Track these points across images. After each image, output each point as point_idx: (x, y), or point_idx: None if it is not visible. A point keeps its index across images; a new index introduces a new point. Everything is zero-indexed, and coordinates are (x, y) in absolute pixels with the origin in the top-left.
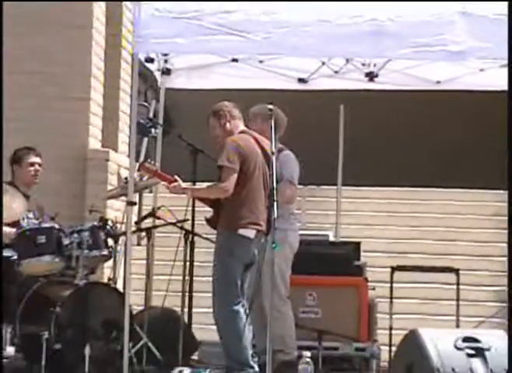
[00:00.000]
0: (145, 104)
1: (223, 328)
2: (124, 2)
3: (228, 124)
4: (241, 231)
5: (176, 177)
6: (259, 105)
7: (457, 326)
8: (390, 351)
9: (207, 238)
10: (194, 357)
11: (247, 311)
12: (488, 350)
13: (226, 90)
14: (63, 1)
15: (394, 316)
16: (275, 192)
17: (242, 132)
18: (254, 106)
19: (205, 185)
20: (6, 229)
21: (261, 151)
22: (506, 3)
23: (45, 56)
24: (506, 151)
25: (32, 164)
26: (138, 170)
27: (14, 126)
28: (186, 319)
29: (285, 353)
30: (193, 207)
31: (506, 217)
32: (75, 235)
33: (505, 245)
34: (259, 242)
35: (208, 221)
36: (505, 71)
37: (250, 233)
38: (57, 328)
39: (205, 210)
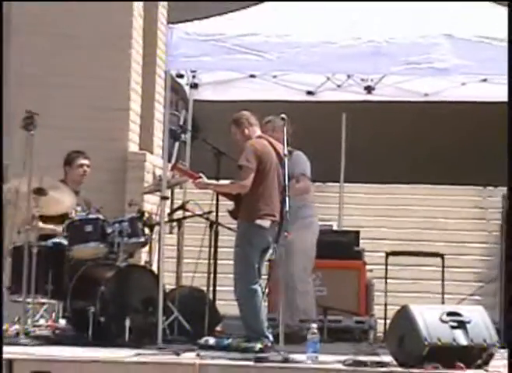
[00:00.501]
0: (176, 113)
1: (243, 304)
2: (158, 27)
3: (246, 130)
4: (258, 222)
5: (200, 174)
6: (273, 116)
7: (442, 303)
8: (385, 324)
9: (229, 228)
10: (218, 328)
11: (263, 289)
12: (468, 322)
13: (244, 101)
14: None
15: (388, 294)
16: (287, 188)
17: (259, 137)
18: (268, 117)
19: (227, 182)
20: (48, 226)
21: (275, 153)
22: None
23: (92, 73)
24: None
25: (81, 165)
26: (171, 170)
27: (66, 133)
28: (211, 296)
29: (309, 322)
30: (217, 201)
31: (484, 210)
32: (117, 225)
33: (483, 233)
34: (274, 231)
35: (230, 212)
36: (484, 85)
37: (266, 223)
38: (102, 303)
39: (227, 204)
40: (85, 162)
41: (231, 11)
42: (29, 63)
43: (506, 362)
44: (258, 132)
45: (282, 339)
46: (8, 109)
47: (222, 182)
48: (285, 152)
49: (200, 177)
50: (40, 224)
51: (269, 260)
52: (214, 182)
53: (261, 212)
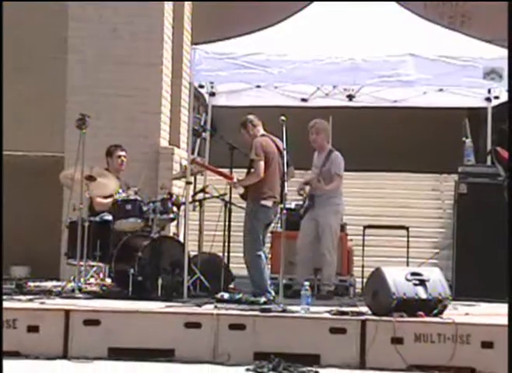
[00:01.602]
0: (198, 116)
1: (251, 266)
2: (183, 47)
3: (252, 131)
4: (263, 202)
5: (233, 176)
6: (318, 119)
7: (407, 265)
8: (362, 282)
9: (240, 207)
10: (231, 285)
11: (267, 255)
12: (427, 280)
13: (252, 107)
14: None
15: (365, 258)
16: (285, 175)
17: (263, 135)
18: (314, 121)
19: (242, 176)
20: (105, 200)
21: (276, 148)
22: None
23: (132, 85)
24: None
25: (119, 156)
26: (191, 163)
27: (111, 132)
28: (226, 260)
29: (329, 285)
30: (230, 185)
31: (440, 192)
32: (151, 204)
33: (439, 210)
34: (275, 209)
35: (241, 195)
36: (440, 94)
37: (269, 203)
38: (139, 266)
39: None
40: (122, 153)
41: (242, 34)
42: (82, 76)
43: (456, 311)
44: (262, 131)
45: (282, 294)
46: (64, 112)
47: (234, 171)
48: (284, 147)
49: (219, 172)
50: (101, 200)
51: (271, 232)
52: (240, 179)
53: (265, 195)
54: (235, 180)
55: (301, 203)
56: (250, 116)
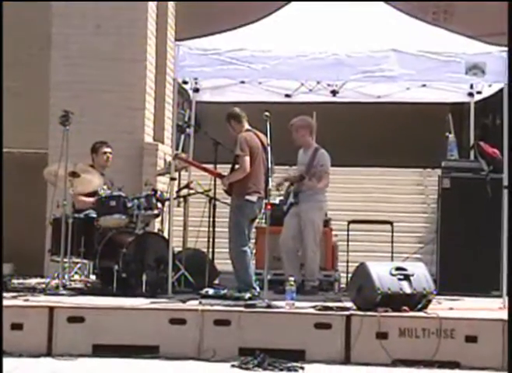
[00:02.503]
0: (182, 112)
1: (236, 262)
2: (167, 43)
3: (236, 126)
4: (247, 197)
5: (217, 171)
6: (300, 117)
7: (392, 260)
8: (347, 277)
9: (224, 203)
10: (216, 281)
11: (252, 250)
12: (412, 275)
13: (236, 103)
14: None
15: (350, 253)
16: (269, 170)
17: (247, 130)
18: (294, 119)
19: (227, 172)
20: (88, 199)
21: (260, 143)
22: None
23: (115, 80)
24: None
25: (105, 153)
26: (173, 159)
27: (94, 128)
28: (210, 256)
29: (313, 281)
30: (215, 181)
31: (424, 187)
32: (136, 200)
33: (423, 205)
34: (260, 204)
35: (225, 190)
36: (423, 89)
37: (253, 198)
38: (124, 262)
39: (221, 184)
40: (108, 149)
41: (224, 31)
42: (64, 72)
43: (440, 306)
44: (246, 126)
45: (266, 290)
46: (47, 109)
47: (218, 166)
48: (268, 142)
49: (204, 168)
50: (83, 198)
51: (256, 228)
52: (227, 176)
53: (250, 190)
54: (224, 180)
55: (284, 200)
56: (235, 111)
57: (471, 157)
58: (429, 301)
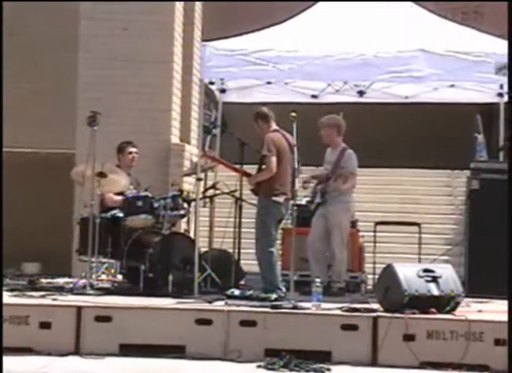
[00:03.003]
0: (209, 113)
1: (262, 262)
2: (194, 44)
3: (263, 126)
4: (274, 198)
5: (250, 173)
6: (329, 116)
7: (419, 262)
8: (373, 278)
9: (250, 203)
10: (242, 282)
11: (278, 251)
12: (440, 277)
13: (262, 103)
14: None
15: (376, 255)
16: (296, 171)
17: (275, 130)
18: (324, 117)
19: (254, 171)
20: (116, 197)
21: (287, 144)
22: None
23: (143, 82)
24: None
25: (130, 153)
26: (202, 157)
27: (122, 129)
28: (236, 257)
29: (340, 282)
30: (241, 182)
31: (452, 188)
32: (162, 201)
33: (451, 206)
34: (286, 205)
35: (252, 190)
36: (451, 90)
37: (280, 199)
38: (150, 262)
39: (247, 185)
40: (134, 149)
41: (251, 31)
42: (91, 74)
43: (468, 308)
44: (274, 126)
45: (292, 291)
46: (75, 109)
47: (245, 167)
48: (295, 143)
49: (233, 167)
50: (112, 195)
51: (282, 229)
52: (254, 175)
53: (277, 191)
54: (251, 180)
55: (311, 199)
56: (263, 111)
57: (501, 158)
58: (458, 304)
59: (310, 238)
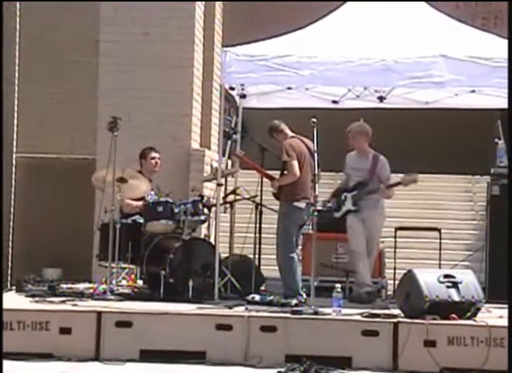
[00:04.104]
0: (229, 118)
1: (283, 268)
2: (214, 50)
3: (278, 136)
4: (295, 204)
5: (274, 177)
6: (357, 123)
7: (439, 267)
8: (394, 284)
9: (271, 209)
10: (262, 287)
11: (299, 256)
12: (460, 283)
13: (283, 109)
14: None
15: (397, 260)
16: (316, 176)
17: (292, 137)
18: (352, 125)
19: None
20: (137, 203)
21: (306, 149)
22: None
23: (163, 87)
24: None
25: (153, 158)
26: (229, 155)
27: (142, 134)
28: (256, 262)
29: (369, 286)
30: (261, 187)
31: (473, 193)
32: (182, 206)
33: (472, 212)
34: (308, 210)
35: (274, 195)
36: (472, 95)
37: (301, 204)
38: (171, 268)
39: (268, 190)
40: (156, 155)
41: (272, 36)
42: (112, 79)
43: (489, 314)
44: (290, 133)
45: (313, 296)
46: (96, 115)
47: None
48: (315, 148)
49: (260, 169)
50: (131, 201)
51: (303, 234)
52: (278, 179)
53: (298, 196)
54: (275, 183)
55: (334, 205)
56: (273, 124)
57: None
58: (478, 309)
59: (359, 245)
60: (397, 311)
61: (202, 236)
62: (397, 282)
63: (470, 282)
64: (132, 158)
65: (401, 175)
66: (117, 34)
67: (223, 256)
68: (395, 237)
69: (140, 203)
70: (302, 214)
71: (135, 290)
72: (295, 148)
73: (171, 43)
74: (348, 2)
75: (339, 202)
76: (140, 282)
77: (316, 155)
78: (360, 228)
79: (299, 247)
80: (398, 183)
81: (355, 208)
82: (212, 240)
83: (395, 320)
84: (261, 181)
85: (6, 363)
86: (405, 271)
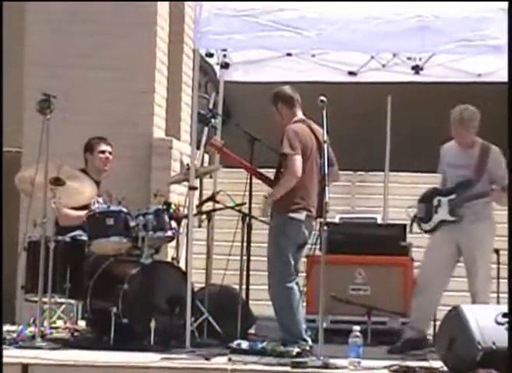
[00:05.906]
0: (206, 96)
1: (279, 303)
2: (185, 1)
3: (285, 113)
4: (292, 215)
5: (269, 177)
6: (463, 107)
7: (498, 302)
8: (434, 326)
9: (263, 221)
10: (252, 330)
11: (301, 287)
12: None
13: (280, 83)
14: (128, 2)
15: None
16: (326, 178)
17: (301, 121)
18: (457, 110)
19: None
20: (78, 213)
21: (315, 140)
22: None
23: (114, 53)
24: None
25: (103, 152)
26: (206, 147)
27: (85, 118)
28: (243, 295)
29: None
30: (250, 191)
31: None
32: (141, 218)
33: None
34: (310, 224)
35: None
36: None
37: (300, 216)
38: (125, 303)
39: (260, 195)
40: (107, 148)
41: None
42: (44, 42)
43: None
44: (300, 114)
45: (322, 343)
46: (21, 91)
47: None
48: (326, 139)
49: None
50: (69, 211)
51: (307, 256)
52: (273, 192)
53: (296, 206)
54: (270, 198)
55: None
56: (286, 92)
57: None
58: None
59: (426, 275)
60: (438, 364)
61: (169, 259)
62: (438, 323)
63: None
64: (72, 152)
65: None
66: None
67: (198, 286)
68: None
69: (83, 213)
70: (301, 228)
71: (75, 334)
72: (301, 138)
73: None
74: None
75: (429, 209)
76: (82, 323)
77: (325, 147)
78: (440, 250)
79: (302, 274)
80: None
81: (454, 219)
82: (181, 265)
83: None
84: (250, 182)
85: None
86: (449, 308)
